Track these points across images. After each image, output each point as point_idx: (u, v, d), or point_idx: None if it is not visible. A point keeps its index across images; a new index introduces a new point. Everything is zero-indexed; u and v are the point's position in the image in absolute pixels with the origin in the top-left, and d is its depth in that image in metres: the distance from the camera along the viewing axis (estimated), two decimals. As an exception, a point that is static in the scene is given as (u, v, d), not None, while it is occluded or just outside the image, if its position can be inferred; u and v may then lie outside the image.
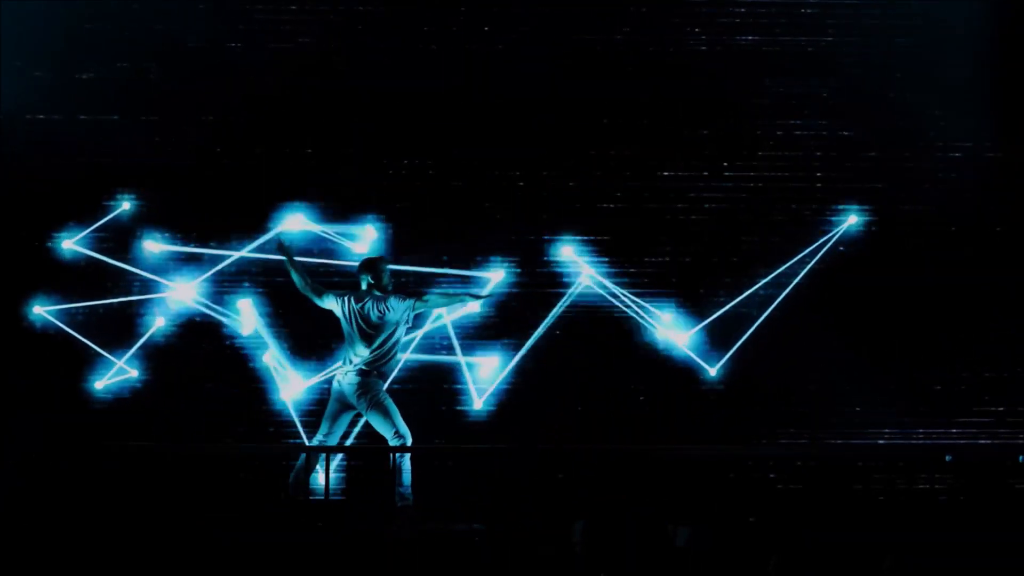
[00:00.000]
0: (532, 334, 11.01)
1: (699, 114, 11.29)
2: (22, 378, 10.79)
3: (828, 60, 11.31)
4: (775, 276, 11.07)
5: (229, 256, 11.00)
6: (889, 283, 11.11)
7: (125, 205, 11.02)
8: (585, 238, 11.14)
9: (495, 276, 10.68)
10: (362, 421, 10.20)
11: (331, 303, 9.75)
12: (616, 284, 11.09)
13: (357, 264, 9.99)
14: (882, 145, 11.26)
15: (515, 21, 11.33)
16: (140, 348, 10.88)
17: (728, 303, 11.05)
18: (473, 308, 10.79)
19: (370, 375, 9.57)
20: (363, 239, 10.95)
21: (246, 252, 11.00)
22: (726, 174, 11.26)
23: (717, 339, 11.01)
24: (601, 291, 11.10)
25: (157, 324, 10.93)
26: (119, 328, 10.92)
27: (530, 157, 11.22)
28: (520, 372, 10.97)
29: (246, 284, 11.02)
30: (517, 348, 10.98)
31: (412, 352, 10.83)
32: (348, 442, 10.37)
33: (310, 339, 10.86)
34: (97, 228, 11.00)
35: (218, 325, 10.95)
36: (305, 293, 9.85)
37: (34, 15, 11.07)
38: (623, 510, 8.95)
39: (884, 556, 6.84)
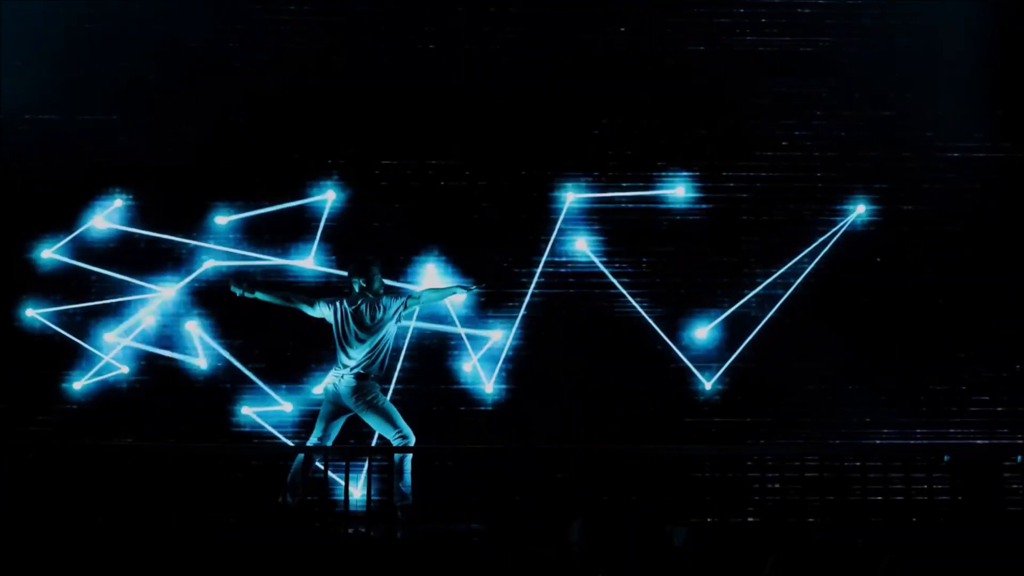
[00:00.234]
0: (530, 333, 11.04)
1: (699, 114, 11.30)
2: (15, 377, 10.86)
3: (828, 60, 11.32)
4: (775, 276, 11.07)
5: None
6: (889, 283, 11.12)
7: (118, 202, 11.03)
8: (585, 238, 11.15)
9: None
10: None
11: (323, 310, 9.77)
12: (615, 284, 11.10)
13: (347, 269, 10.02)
14: (882, 145, 11.26)
15: (514, 21, 11.34)
16: (130, 345, 10.93)
17: (727, 303, 11.05)
18: (459, 299, 10.80)
19: (366, 378, 9.58)
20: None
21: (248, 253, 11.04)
22: (726, 174, 11.26)
23: (717, 339, 11.02)
24: (600, 291, 11.11)
25: (145, 323, 10.95)
26: (110, 326, 10.97)
27: (529, 157, 11.22)
28: (522, 372, 10.99)
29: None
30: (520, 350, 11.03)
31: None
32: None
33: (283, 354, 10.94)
34: (96, 228, 11.02)
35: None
36: (295, 308, 9.88)
37: (34, 15, 11.10)
38: (622, 510, 8.96)
39: (882, 556, 6.83)
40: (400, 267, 11.01)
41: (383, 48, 11.34)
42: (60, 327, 10.91)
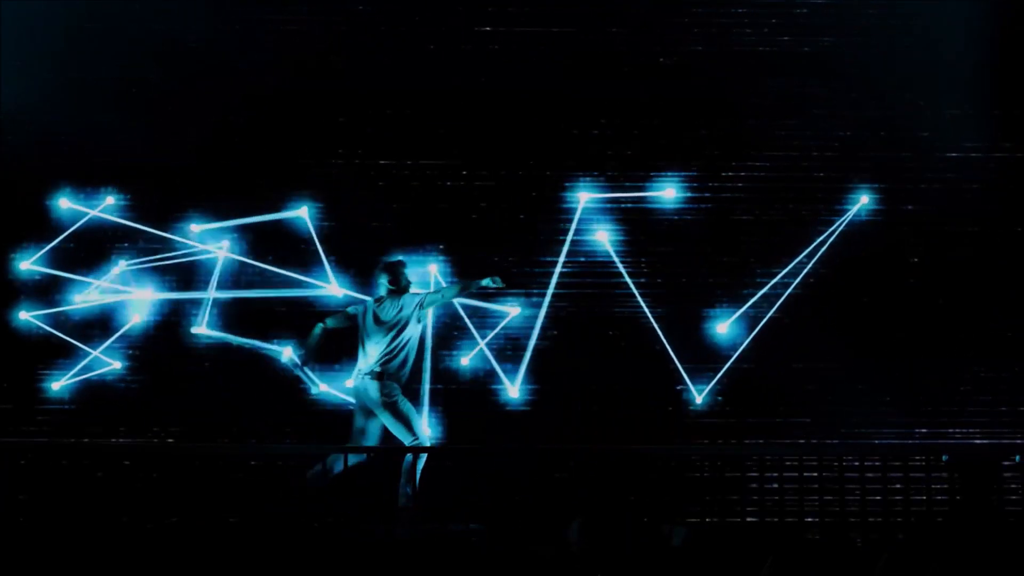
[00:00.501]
0: (532, 335, 11.04)
1: (699, 114, 11.29)
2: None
3: (828, 60, 11.30)
4: (775, 276, 11.06)
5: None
6: (889, 283, 11.11)
7: (109, 199, 11.03)
8: (583, 238, 11.15)
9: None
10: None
11: (356, 313, 9.89)
12: (615, 284, 11.10)
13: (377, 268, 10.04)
14: (882, 145, 11.25)
15: (514, 21, 11.33)
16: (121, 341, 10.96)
17: (727, 303, 11.05)
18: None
19: (382, 377, 9.60)
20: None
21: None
22: (725, 174, 11.26)
23: (716, 338, 11.02)
24: (605, 291, 11.11)
25: (134, 320, 10.97)
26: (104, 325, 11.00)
27: (529, 157, 11.22)
28: (547, 372, 11.02)
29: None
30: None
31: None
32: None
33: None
34: (95, 227, 11.03)
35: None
36: (345, 327, 9.98)
37: (34, 15, 11.09)
38: (621, 510, 8.95)
39: (880, 555, 6.84)
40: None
41: (383, 48, 11.34)
42: (52, 327, 10.92)
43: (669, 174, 11.22)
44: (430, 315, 10.71)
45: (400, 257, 10.16)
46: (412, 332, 9.76)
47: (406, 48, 11.31)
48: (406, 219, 11.11)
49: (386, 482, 9.56)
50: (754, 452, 10.46)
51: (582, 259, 11.16)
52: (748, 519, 9.49)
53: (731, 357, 10.97)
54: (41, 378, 10.94)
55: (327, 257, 11.02)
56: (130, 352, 11.03)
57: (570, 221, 11.15)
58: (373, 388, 9.60)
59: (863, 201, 11.10)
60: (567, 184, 11.19)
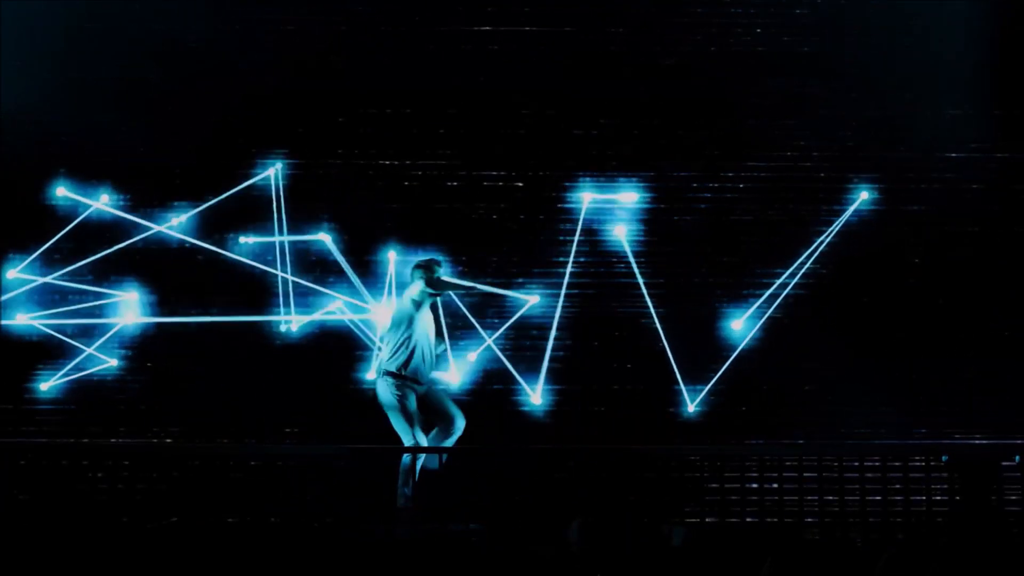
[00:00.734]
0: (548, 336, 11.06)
1: (698, 114, 11.29)
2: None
3: (828, 60, 11.30)
4: (775, 276, 11.06)
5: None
6: (889, 283, 11.11)
7: (104, 197, 11.02)
8: (583, 238, 11.15)
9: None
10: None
11: None
12: (615, 284, 11.10)
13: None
14: (882, 145, 11.25)
15: (514, 21, 11.33)
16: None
17: (727, 303, 11.05)
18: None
19: (384, 373, 9.63)
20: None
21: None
22: (725, 174, 11.25)
23: (716, 338, 11.02)
24: (606, 291, 11.12)
25: (125, 320, 10.97)
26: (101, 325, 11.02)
27: (529, 157, 11.22)
28: (565, 377, 11.04)
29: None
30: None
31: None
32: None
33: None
34: (94, 226, 11.03)
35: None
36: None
37: (34, 15, 11.09)
38: (621, 510, 8.95)
39: (879, 555, 6.82)
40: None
41: (383, 48, 11.34)
42: (51, 327, 10.92)
43: (669, 174, 11.22)
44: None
45: (434, 255, 10.11)
46: (411, 330, 9.72)
47: (406, 48, 11.31)
48: (406, 218, 11.11)
49: (386, 482, 9.57)
50: (754, 452, 10.45)
51: (583, 259, 11.16)
52: (748, 519, 9.49)
53: (731, 357, 10.96)
54: (38, 378, 10.93)
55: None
56: (128, 352, 11.03)
57: (571, 221, 11.15)
58: (380, 384, 9.69)
59: (863, 197, 11.10)
60: (567, 184, 11.19)
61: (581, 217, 11.15)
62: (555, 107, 11.27)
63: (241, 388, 10.94)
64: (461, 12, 11.35)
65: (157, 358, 11.04)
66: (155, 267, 11.07)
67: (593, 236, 11.16)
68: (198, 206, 11.06)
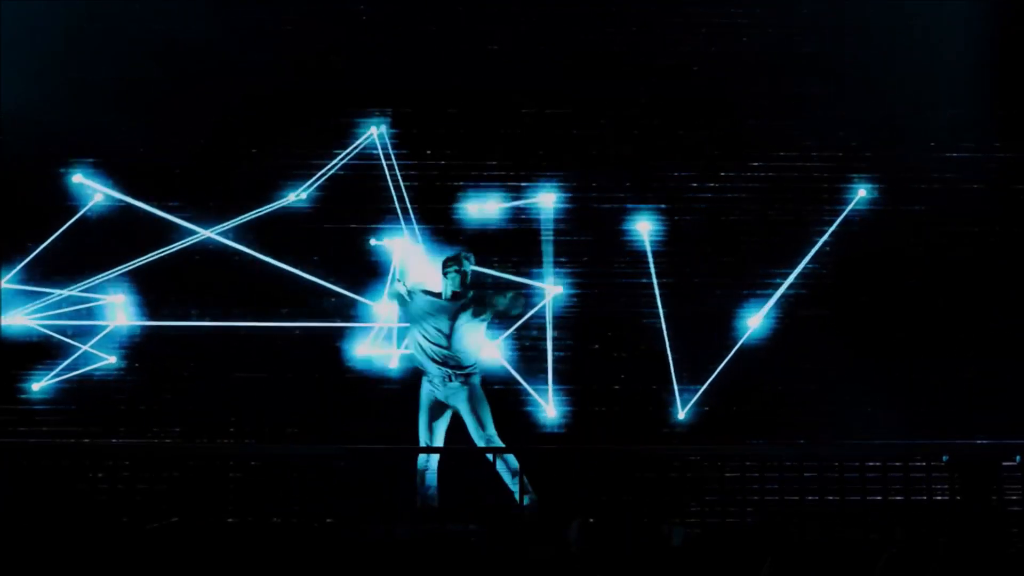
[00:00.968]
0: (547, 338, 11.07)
1: (698, 114, 11.29)
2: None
3: (828, 60, 11.30)
4: (775, 276, 11.06)
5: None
6: (889, 283, 11.11)
7: (98, 196, 11.02)
8: (582, 238, 11.15)
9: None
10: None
11: None
12: (615, 284, 11.10)
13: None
14: (881, 145, 11.25)
15: (514, 21, 11.33)
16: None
17: (727, 302, 11.05)
18: None
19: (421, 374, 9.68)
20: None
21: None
22: (725, 174, 11.25)
23: (715, 338, 11.02)
24: (600, 291, 11.12)
25: (118, 321, 10.97)
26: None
27: (529, 157, 11.22)
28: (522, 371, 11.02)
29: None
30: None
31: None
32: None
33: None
34: (95, 226, 11.04)
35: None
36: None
37: (34, 15, 11.08)
38: (620, 510, 8.94)
39: (880, 555, 6.83)
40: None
41: (383, 48, 11.34)
42: (51, 328, 10.92)
43: (669, 174, 11.22)
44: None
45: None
46: (415, 329, 9.73)
47: (406, 48, 11.31)
48: (405, 218, 11.11)
49: (386, 482, 9.56)
50: (754, 452, 10.45)
51: (585, 259, 11.16)
52: (748, 519, 9.48)
53: (728, 358, 10.96)
54: (36, 378, 10.93)
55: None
56: (126, 352, 11.03)
57: (571, 220, 11.16)
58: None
59: (862, 196, 11.10)
60: (569, 184, 11.19)
61: (575, 217, 11.15)
62: (555, 107, 11.26)
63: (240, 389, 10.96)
64: (461, 12, 11.35)
65: (155, 358, 11.02)
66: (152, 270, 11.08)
67: (595, 236, 11.16)
68: (198, 206, 11.07)
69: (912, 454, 9.58)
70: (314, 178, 11.08)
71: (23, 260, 10.97)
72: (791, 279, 11.06)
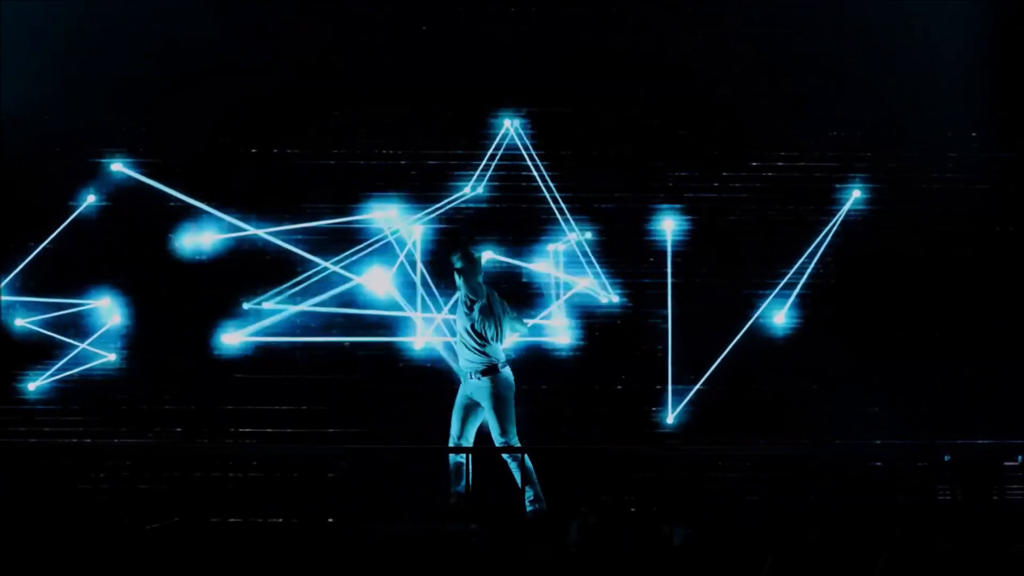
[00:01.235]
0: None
1: (698, 114, 11.28)
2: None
3: (828, 60, 11.29)
4: (775, 277, 11.07)
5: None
6: (889, 283, 11.11)
7: (91, 198, 11.02)
8: (583, 238, 11.15)
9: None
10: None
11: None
12: (615, 283, 11.11)
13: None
14: (881, 145, 11.25)
15: (514, 21, 11.33)
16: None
17: (727, 302, 11.06)
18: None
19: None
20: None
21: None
22: (725, 174, 11.26)
23: (715, 338, 11.02)
24: (600, 290, 11.11)
25: (114, 320, 10.98)
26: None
27: (529, 156, 11.22)
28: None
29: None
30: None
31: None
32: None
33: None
34: (95, 225, 11.05)
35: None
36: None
37: (34, 15, 11.07)
38: (621, 510, 8.96)
39: (879, 555, 6.83)
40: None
41: (383, 48, 11.34)
42: (48, 328, 10.93)
43: (669, 174, 11.23)
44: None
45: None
46: (458, 323, 9.71)
47: (406, 48, 11.31)
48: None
49: (386, 482, 9.58)
50: (755, 452, 10.46)
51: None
52: (748, 519, 9.50)
53: (729, 357, 10.97)
54: (35, 378, 10.93)
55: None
56: (126, 352, 11.03)
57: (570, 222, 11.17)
58: None
59: (861, 196, 11.11)
60: (570, 184, 11.20)
61: (574, 217, 11.15)
62: (554, 107, 11.26)
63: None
64: (461, 12, 11.35)
65: (154, 358, 11.03)
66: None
67: (592, 235, 11.16)
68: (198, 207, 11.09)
69: (913, 454, 9.61)
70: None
71: (23, 260, 10.96)
72: (791, 279, 11.06)
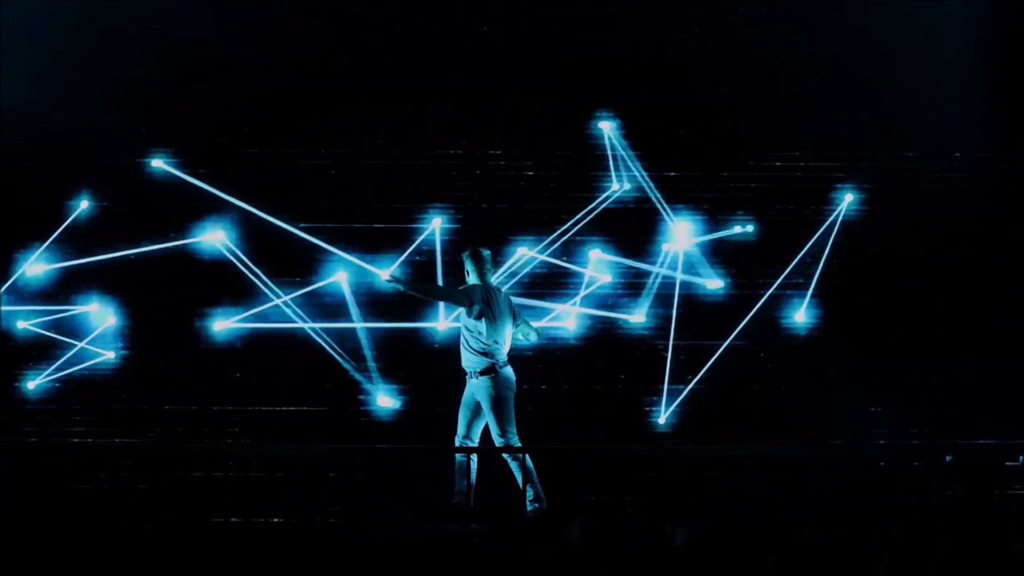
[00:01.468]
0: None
1: (698, 114, 11.29)
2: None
3: (827, 60, 11.30)
4: (775, 277, 11.08)
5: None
6: (888, 283, 11.12)
7: (84, 204, 11.03)
8: (582, 238, 11.16)
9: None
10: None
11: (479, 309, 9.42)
12: (616, 284, 11.12)
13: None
14: (881, 145, 11.25)
15: (514, 21, 11.34)
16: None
17: (727, 301, 11.06)
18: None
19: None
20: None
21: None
22: (725, 174, 11.26)
23: (715, 338, 11.03)
24: (601, 291, 11.13)
25: (109, 322, 11.00)
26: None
27: (527, 157, 11.23)
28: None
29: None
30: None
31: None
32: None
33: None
34: (96, 225, 11.05)
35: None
36: (452, 303, 9.62)
37: (34, 15, 11.08)
38: (621, 510, 8.96)
39: (879, 555, 6.84)
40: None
41: (383, 48, 11.35)
42: (41, 325, 10.93)
43: (669, 174, 11.23)
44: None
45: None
46: (463, 324, 9.50)
47: (406, 48, 11.31)
48: (403, 217, 11.12)
49: (386, 482, 9.58)
50: (756, 452, 10.46)
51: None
52: (749, 519, 9.50)
53: (731, 358, 10.97)
54: (34, 377, 10.93)
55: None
56: (125, 351, 11.04)
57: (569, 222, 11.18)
58: None
59: (856, 197, 11.11)
60: (569, 184, 11.20)
61: (574, 217, 11.16)
62: (554, 107, 11.26)
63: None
64: (461, 12, 11.35)
65: (153, 356, 11.03)
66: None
67: (591, 235, 11.17)
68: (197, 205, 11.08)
69: (914, 454, 9.61)
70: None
71: (23, 260, 10.96)
72: (792, 279, 11.06)
